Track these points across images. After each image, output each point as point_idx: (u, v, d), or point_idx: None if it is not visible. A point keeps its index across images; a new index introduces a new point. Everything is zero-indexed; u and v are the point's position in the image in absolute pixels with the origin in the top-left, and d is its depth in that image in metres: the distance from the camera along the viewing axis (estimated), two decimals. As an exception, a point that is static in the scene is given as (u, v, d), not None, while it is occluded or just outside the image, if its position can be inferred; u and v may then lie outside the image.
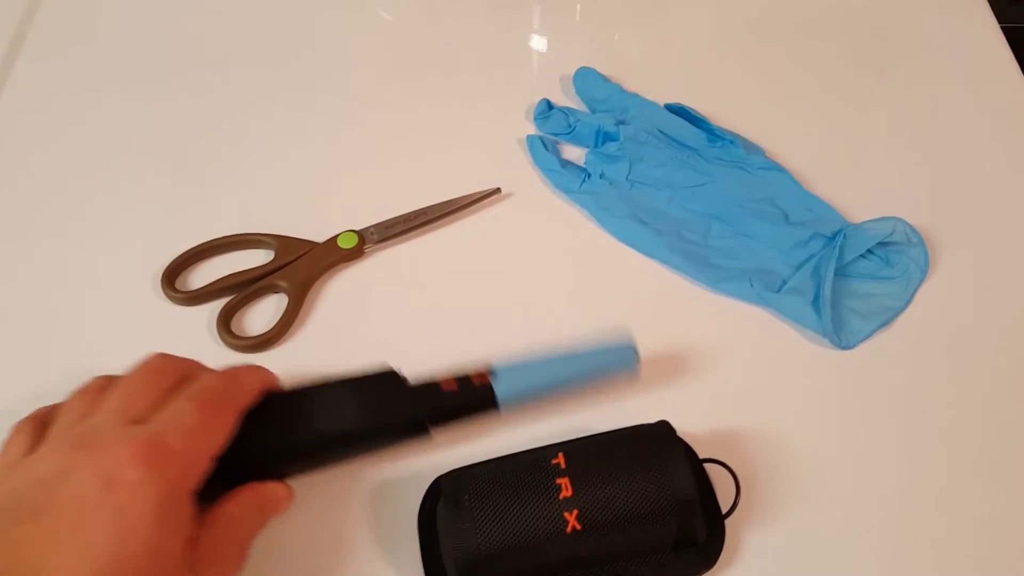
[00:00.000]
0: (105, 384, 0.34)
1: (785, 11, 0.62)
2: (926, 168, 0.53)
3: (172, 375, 0.34)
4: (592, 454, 0.36)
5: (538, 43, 0.61)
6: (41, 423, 0.33)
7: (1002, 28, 0.61)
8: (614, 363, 0.39)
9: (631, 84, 0.56)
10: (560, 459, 0.36)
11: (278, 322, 0.44)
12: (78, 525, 0.27)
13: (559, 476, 0.35)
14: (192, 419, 0.31)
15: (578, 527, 0.34)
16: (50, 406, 0.35)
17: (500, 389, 0.37)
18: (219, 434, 0.32)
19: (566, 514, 0.34)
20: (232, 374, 0.35)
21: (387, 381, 0.37)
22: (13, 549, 0.26)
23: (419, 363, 0.45)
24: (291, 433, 0.36)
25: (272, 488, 0.35)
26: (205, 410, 0.32)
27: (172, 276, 0.46)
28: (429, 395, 0.37)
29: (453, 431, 0.39)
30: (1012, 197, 0.52)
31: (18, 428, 0.33)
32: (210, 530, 0.32)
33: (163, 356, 0.35)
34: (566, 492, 0.34)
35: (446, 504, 0.35)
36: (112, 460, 0.28)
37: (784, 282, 0.46)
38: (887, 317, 0.45)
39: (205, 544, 0.31)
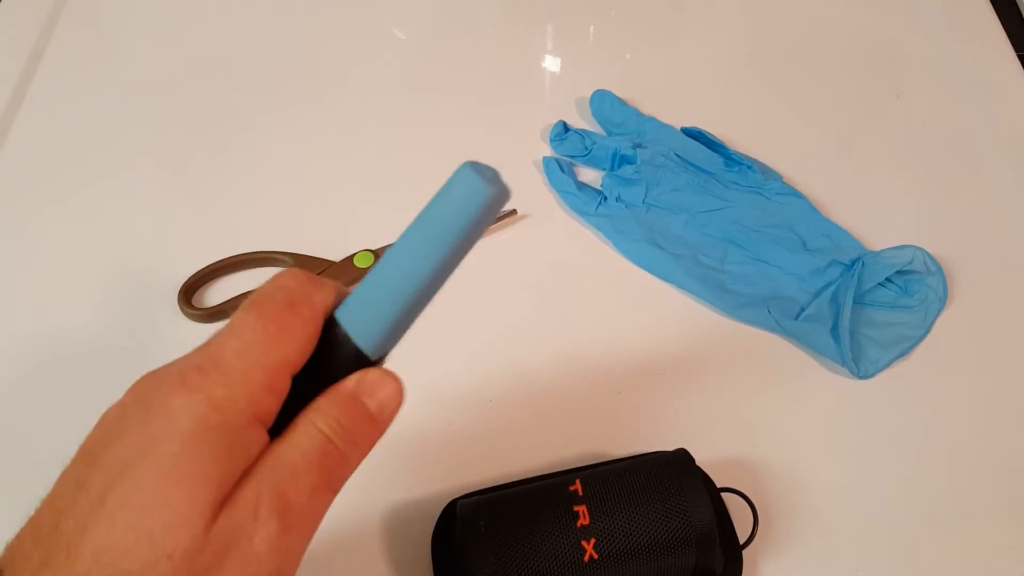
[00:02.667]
0: None
1: (801, 37, 0.62)
2: (944, 196, 0.53)
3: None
4: (610, 482, 0.35)
5: (552, 64, 0.61)
6: None
7: (1018, 56, 0.61)
8: (462, 212, 0.26)
9: (645, 107, 0.56)
10: (577, 486, 0.35)
11: (293, 341, 0.44)
12: (99, 467, 0.23)
13: (576, 504, 0.35)
14: (250, 329, 0.24)
15: (595, 556, 0.34)
16: None
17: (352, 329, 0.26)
18: (289, 343, 0.25)
19: (583, 543, 0.34)
20: (306, 273, 0.27)
21: None
22: (67, 494, 0.23)
23: (432, 383, 0.45)
24: None
25: (372, 379, 0.26)
26: (266, 315, 0.25)
27: (189, 293, 0.46)
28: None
29: None
30: (1030, 227, 0.51)
31: None
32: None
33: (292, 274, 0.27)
34: (583, 520, 0.34)
35: (462, 529, 0.35)
36: (155, 388, 0.24)
37: (802, 309, 0.46)
38: (906, 346, 0.45)
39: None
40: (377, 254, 0.48)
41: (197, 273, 0.47)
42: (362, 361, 0.26)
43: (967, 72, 0.59)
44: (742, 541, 0.37)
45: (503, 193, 0.26)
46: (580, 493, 0.35)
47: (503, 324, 0.47)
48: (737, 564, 0.37)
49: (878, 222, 0.50)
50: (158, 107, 0.57)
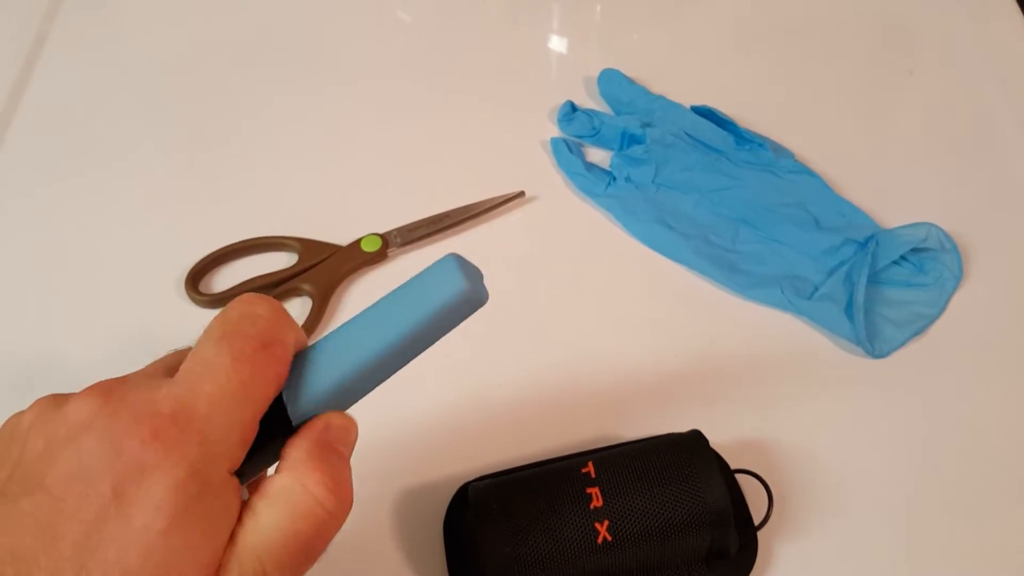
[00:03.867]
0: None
1: (813, 13, 0.61)
2: (958, 173, 0.52)
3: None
4: (623, 463, 0.35)
5: (559, 44, 0.61)
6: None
7: (1034, 30, 0.60)
8: (432, 300, 0.25)
9: (654, 85, 0.56)
10: (590, 468, 0.35)
11: (302, 325, 0.44)
12: (68, 516, 0.20)
13: (589, 486, 0.34)
14: (224, 374, 0.22)
15: (609, 538, 0.33)
16: None
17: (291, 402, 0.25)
18: (263, 389, 0.23)
19: (596, 525, 0.33)
20: (274, 303, 0.25)
21: None
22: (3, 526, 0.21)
23: (442, 367, 0.44)
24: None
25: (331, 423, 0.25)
26: (240, 356, 0.23)
27: (196, 279, 0.46)
28: None
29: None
30: (1047, 202, 0.51)
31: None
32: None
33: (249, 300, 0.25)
34: (597, 502, 0.34)
35: (474, 512, 0.35)
36: (123, 432, 0.21)
37: (815, 288, 0.45)
38: (921, 325, 0.44)
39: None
40: (384, 237, 0.48)
41: (204, 259, 0.47)
42: (284, 427, 0.24)
43: (981, 48, 0.58)
44: (757, 522, 0.37)
45: (479, 295, 0.25)
46: (593, 475, 0.35)
47: (511, 307, 0.46)
48: (752, 545, 0.37)
49: (892, 200, 0.50)
50: (163, 92, 0.56)
